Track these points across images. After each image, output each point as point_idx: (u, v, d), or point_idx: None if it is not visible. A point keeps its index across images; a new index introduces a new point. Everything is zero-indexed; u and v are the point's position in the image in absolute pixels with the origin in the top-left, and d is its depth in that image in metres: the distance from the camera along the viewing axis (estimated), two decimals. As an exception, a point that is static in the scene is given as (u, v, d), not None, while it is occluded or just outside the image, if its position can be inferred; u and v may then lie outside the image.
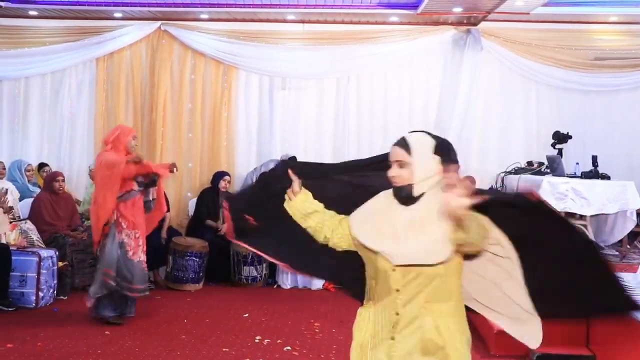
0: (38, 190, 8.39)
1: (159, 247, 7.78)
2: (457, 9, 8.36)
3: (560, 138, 8.13)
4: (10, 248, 6.69)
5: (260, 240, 2.95)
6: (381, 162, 2.63)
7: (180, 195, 9.21)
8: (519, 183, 7.61)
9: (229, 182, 8.57)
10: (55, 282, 6.95)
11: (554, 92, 9.28)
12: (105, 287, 6.01)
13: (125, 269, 6.05)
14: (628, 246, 7.58)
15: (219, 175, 8.53)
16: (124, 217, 6.08)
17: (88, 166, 8.79)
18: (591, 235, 7.28)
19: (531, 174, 7.84)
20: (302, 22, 9.27)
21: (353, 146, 9.31)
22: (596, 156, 7.59)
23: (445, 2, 8.05)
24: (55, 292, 6.96)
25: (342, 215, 2.72)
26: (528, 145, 9.18)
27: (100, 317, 6.10)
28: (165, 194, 7.83)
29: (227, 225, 2.98)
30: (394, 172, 2.49)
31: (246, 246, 3.05)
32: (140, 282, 6.16)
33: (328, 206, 2.77)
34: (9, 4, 8.63)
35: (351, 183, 2.83)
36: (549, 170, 7.76)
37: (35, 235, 7.14)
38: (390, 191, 2.54)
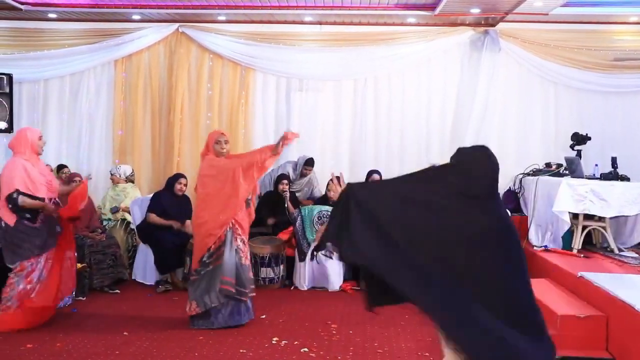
0: None
1: (177, 248, 7.80)
2: (475, 10, 8.33)
3: (579, 139, 8.08)
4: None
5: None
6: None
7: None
8: (537, 185, 7.58)
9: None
10: (74, 283, 6.99)
11: (572, 93, 9.24)
12: (224, 295, 6.02)
13: (243, 275, 6.13)
14: (648, 248, 7.52)
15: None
16: (239, 222, 6.14)
17: (109, 171, 8.86)
18: (610, 238, 7.23)
19: (549, 175, 7.80)
20: (320, 23, 9.28)
21: (370, 147, 9.31)
22: (615, 157, 7.53)
23: (463, 3, 8.03)
24: (74, 293, 6.98)
25: None
26: (546, 146, 9.14)
27: (208, 326, 6.08)
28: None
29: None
30: None
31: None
32: (249, 286, 6.23)
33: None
34: (29, 7, 8.71)
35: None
36: (567, 172, 7.71)
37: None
38: None
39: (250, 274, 6.33)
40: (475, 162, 2.75)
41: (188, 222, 8.14)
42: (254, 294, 6.34)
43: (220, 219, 6.03)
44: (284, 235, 8.20)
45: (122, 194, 8.52)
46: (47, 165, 8.82)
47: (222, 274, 6.00)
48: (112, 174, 8.76)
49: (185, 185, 8.18)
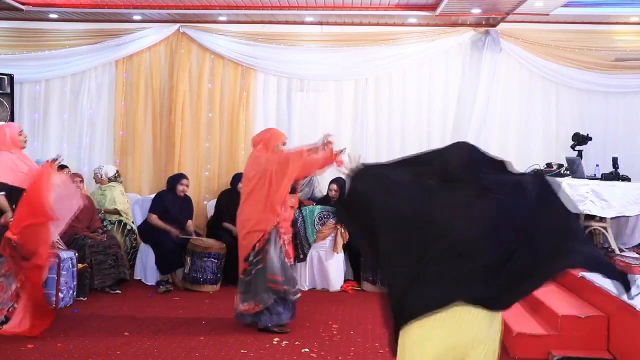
0: None
1: (178, 248, 7.81)
2: (476, 10, 8.32)
3: (580, 139, 8.08)
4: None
5: None
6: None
7: (199, 196, 9.24)
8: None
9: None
10: (74, 283, 6.98)
11: (573, 94, 9.22)
12: (274, 293, 5.94)
13: (289, 274, 6.06)
14: (649, 249, 7.52)
15: (238, 177, 8.52)
16: (283, 221, 6.09)
17: (93, 170, 8.82)
18: (611, 238, 7.23)
19: (550, 175, 7.79)
20: (321, 24, 9.27)
21: (371, 148, 9.29)
22: (616, 158, 7.53)
23: (464, 3, 8.01)
24: (74, 293, 6.99)
25: None
26: (547, 146, 9.13)
27: (263, 328, 6.00)
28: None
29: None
30: None
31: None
32: (294, 285, 6.15)
33: None
34: (30, 8, 8.70)
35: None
36: (568, 172, 7.71)
37: (55, 237, 7.16)
38: None
39: (295, 274, 6.29)
40: (451, 147, 3.06)
41: (189, 222, 8.17)
42: (299, 295, 6.27)
43: (263, 216, 5.96)
44: (284, 236, 8.19)
45: (101, 197, 8.45)
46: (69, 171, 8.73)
47: (269, 272, 5.92)
48: (94, 174, 8.71)
49: (187, 185, 8.19)
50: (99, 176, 8.58)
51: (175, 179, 8.20)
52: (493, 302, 2.77)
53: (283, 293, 5.97)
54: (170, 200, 8.05)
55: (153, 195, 8.40)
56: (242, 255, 6.06)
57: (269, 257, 5.93)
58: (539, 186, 2.89)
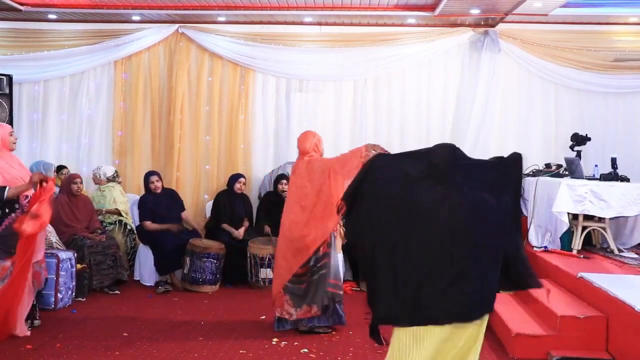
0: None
1: (177, 249, 7.80)
2: (475, 11, 8.32)
3: (579, 140, 8.07)
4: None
5: None
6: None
7: (197, 197, 9.26)
8: (537, 185, 7.56)
9: (244, 183, 8.59)
10: (73, 283, 6.98)
11: (572, 94, 9.22)
12: (333, 297, 5.90)
13: (340, 278, 6.06)
14: (648, 249, 7.50)
15: (234, 178, 8.55)
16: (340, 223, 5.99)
17: (92, 171, 8.82)
18: (610, 239, 7.22)
19: (549, 176, 7.79)
20: (320, 24, 9.28)
21: (370, 148, 9.28)
22: (615, 158, 7.51)
23: (462, 3, 8.01)
24: (73, 294, 6.99)
25: None
26: (546, 147, 9.14)
27: (309, 329, 5.96)
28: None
29: None
30: None
31: None
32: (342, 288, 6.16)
33: None
34: (29, 8, 8.70)
35: None
36: (567, 173, 7.70)
37: (54, 237, 7.15)
38: None
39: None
40: (436, 146, 3.35)
41: (182, 214, 8.20)
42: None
43: (322, 227, 5.82)
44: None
45: (101, 197, 8.45)
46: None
47: (330, 276, 5.88)
48: (93, 175, 8.71)
49: (158, 180, 8.19)
50: (98, 177, 8.59)
51: (145, 180, 8.27)
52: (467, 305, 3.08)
53: (340, 297, 5.97)
54: (152, 201, 8.08)
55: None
56: (297, 261, 5.91)
57: (331, 260, 5.90)
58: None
